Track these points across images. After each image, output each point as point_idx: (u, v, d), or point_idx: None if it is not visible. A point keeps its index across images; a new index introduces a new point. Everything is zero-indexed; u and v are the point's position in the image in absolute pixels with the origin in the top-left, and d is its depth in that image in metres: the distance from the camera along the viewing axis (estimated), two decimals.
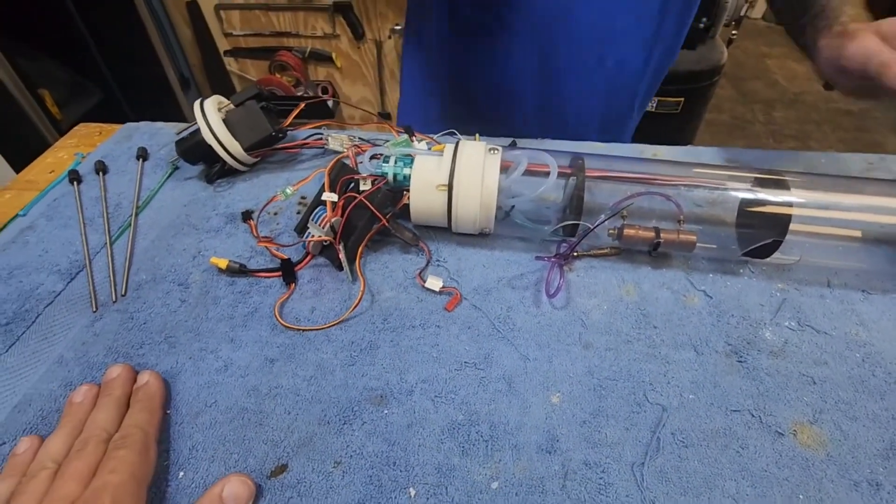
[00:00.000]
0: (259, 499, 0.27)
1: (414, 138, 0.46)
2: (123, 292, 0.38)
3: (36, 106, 1.40)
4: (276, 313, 0.36)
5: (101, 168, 0.49)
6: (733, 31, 1.69)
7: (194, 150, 0.46)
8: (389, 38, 1.73)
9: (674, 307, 0.36)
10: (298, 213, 0.44)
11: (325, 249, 0.39)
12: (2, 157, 1.24)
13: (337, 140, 0.49)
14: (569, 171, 0.39)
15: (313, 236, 0.37)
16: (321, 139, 0.50)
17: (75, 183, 0.47)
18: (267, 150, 0.48)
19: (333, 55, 1.80)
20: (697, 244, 0.37)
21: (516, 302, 0.37)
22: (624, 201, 0.36)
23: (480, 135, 0.48)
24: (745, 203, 0.38)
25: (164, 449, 0.29)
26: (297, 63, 1.81)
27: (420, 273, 0.38)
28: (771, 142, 2.17)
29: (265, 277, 0.38)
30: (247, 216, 0.43)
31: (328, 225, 0.37)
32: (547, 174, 0.36)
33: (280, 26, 1.77)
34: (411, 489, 0.27)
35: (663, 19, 0.54)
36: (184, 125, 0.54)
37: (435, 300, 0.37)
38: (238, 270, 0.38)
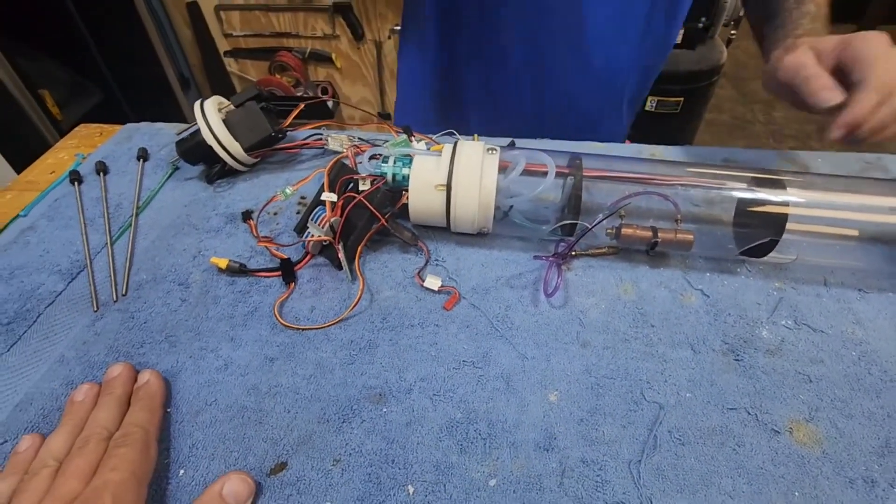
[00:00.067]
0: (259, 496, 0.27)
1: (413, 138, 0.46)
2: (124, 292, 0.38)
3: (36, 106, 1.40)
4: (276, 312, 0.36)
5: (101, 168, 0.49)
6: (732, 31, 1.69)
7: (194, 151, 0.46)
8: (389, 38, 1.73)
9: (671, 306, 0.36)
10: (298, 213, 0.45)
11: (325, 249, 0.40)
12: (2, 158, 1.24)
13: (336, 140, 0.49)
14: (567, 170, 0.39)
15: (313, 236, 0.38)
16: (321, 139, 0.50)
17: (76, 183, 0.47)
18: (267, 150, 0.48)
19: (333, 56, 1.80)
20: (695, 243, 0.37)
21: (514, 301, 0.37)
22: (622, 201, 0.37)
23: (479, 135, 0.48)
24: (742, 202, 0.38)
25: (164, 447, 0.29)
26: (297, 63, 1.81)
27: (419, 272, 0.39)
28: (771, 142, 2.17)
29: (265, 277, 0.39)
30: (247, 216, 0.43)
31: (328, 225, 0.37)
32: (545, 174, 0.37)
33: (280, 27, 1.78)
34: (410, 487, 0.27)
35: (651, 17, 0.54)
36: (184, 126, 0.54)
37: (434, 299, 0.37)
38: (238, 270, 0.38)
